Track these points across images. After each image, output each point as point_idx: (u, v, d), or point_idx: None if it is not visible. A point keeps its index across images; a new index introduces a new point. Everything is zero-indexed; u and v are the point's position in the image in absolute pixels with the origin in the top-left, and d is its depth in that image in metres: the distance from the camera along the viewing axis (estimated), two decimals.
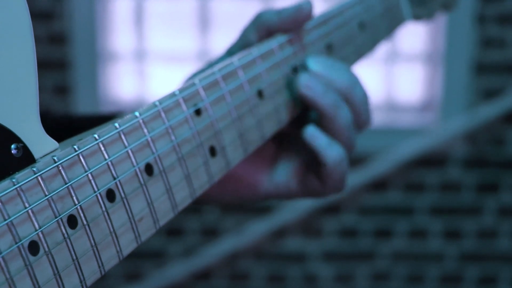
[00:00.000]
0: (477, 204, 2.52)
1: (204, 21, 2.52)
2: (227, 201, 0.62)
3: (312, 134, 0.56)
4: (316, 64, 0.58)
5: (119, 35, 2.55)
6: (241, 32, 0.62)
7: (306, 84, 0.56)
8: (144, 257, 2.53)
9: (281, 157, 0.61)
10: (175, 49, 2.55)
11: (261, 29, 0.60)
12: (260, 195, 0.61)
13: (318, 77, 0.57)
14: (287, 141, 0.62)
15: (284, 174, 0.60)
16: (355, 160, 2.46)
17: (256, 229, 2.48)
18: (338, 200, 2.50)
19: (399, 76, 2.57)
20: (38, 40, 2.39)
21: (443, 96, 2.44)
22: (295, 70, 0.60)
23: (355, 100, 0.59)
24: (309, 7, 0.59)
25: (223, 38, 2.50)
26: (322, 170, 0.58)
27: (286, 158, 0.61)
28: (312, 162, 0.60)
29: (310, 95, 0.56)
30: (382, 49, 2.52)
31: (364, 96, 0.60)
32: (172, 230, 2.52)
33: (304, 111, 0.61)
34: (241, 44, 0.61)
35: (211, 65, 0.62)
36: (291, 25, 0.60)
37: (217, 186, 0.59)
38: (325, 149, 0.56)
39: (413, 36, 2.50)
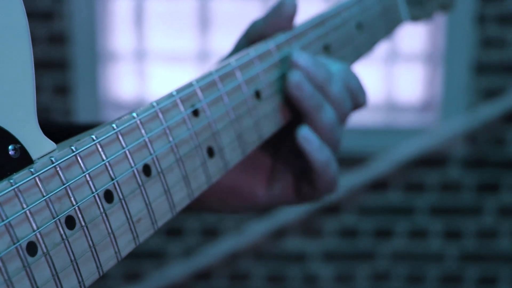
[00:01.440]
0: (477, 204, 2.52)
1: (204, 21, 2.52)
2: (228, 210, 0.63)
3: (305, 137, 0.56)
4: (302, 57, 0.57)
5: (119, 35, 2.55)
6: (234, 44, 0.63)
7: (297, 84, 0.56)
8: (144, 257, 2.53)
9: (277, 169, 0.61)
10: (175, 49, 2.55)
11: (252, 36, 0.61)
12: (260, 206, 0.61)
13: (308, 74, 0.56)
14: (281, 153, 0.62)
15: (280, 185, 0.61)
16: (355, 160, 2.46)
17: (256, 229, 2.48)
18: (338, 200, 2.50)
19: (399, 76, 2.57)
20: (38, 40, 2.39)
21: (443, 96, 2.44)
22: None
23: (353, 85, 0.59)
24: (291, 1, 0.59)
25: (223, 38, 2.50)
26: (312, 175, 0.58)
27: (281, 169, 0.61)
28: (304, 169, 0.60)
29: (298, 95, 0.56)
30: (382, 49, 2.52)
31: (358, 80, 0.61)
32: (172, 230, 2.52)
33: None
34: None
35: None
36: (279, 23, 0.60)
37: (219, 198, 0.60)
38: (315, 153, 0.56)
39: (413, 36, 2.50)
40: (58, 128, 0.64)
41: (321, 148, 0.56)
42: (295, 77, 0.56)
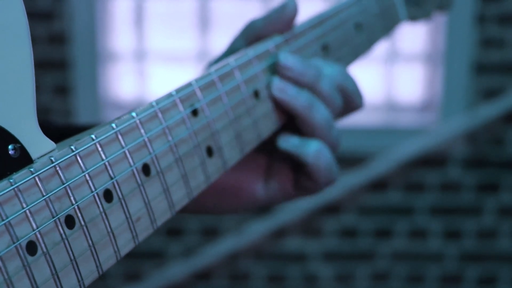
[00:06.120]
0: (477, 204, 2.52)
1: (204, 21, 2.52)
2: (226, 211, 0.62)
3: (279, 87, 0.56)
4: (287, 58, 0.57)
5: (119, 35, 2.55)
6: (230, 42, 0.63)
7: (279, 87, 0.56)
8: (144, 257, 2.53)
9: (273, 164, 0.61)
10: (175, 49, 2.55)
11: (250, 36, 0.61)
12: (259, 203, 0.61)
13: (295, 75, 0.56)
14: (275, 148, 0.61)
15: (277, 180, 0.60)
16: (355, 160, 2.46)
17: (256, 229, 2.48)
18: (338, 200, 2.50)
19: (399, 76, 2.57)
20: (38, 40, 2.39)
21: (443, 96, 2.45)
22: None
23: (348, 87, 0.59)
24: (293, 4, 0.59)
25: (223, 38, 2.50)
26: (307, 169, 0.57)
27: (277, 164, 0.60)
28: (299, 164, 0.60)
29: (283, 98, 0.56)
30: (382, 49, 2.52)
31: (354, 82, 0.60)
32: (172, 230, 2.52)
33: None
34: (230, 54, 0.61)
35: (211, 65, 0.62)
36: (279, 25, 0.60)
37: (216, 197, 0.59)
38: (300, 149, 0.56)
39: (413, 36, 2.50)
40: (56, 129, 0.64)
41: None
42: (275, 81, 0.56)
